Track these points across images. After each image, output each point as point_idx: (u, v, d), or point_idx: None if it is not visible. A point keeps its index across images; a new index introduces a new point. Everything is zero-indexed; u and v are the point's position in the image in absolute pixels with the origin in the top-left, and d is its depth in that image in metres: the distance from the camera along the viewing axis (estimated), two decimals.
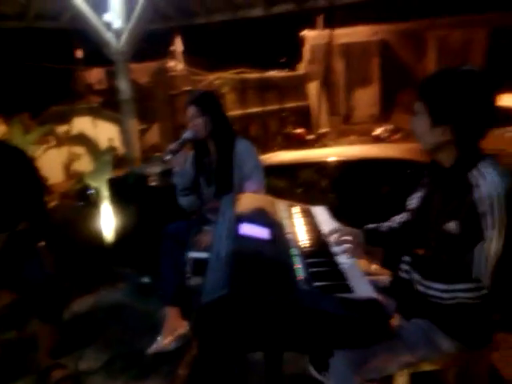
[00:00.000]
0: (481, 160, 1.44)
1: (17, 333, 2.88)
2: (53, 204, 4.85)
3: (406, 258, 1.54)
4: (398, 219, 1.83)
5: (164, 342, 2.55)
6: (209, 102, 2.63)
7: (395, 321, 1.56)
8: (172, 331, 2.58)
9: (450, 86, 1.43)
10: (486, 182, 1.37)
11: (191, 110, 2.57)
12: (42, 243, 2.61)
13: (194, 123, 2.56)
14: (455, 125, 1.43)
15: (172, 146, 2.51)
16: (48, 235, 2.72)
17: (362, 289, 1.44)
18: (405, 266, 1.55)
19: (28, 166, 2.54)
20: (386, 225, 1.84)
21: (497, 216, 1.34)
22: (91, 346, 2.78)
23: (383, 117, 12.50)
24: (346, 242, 1.73)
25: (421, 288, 1.49)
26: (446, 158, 1.51)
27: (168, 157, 2.48)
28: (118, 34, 3.85)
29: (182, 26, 5.70)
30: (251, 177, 2.51)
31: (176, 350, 2.51)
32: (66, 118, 8.31)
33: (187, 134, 2.56)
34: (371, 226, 1.85)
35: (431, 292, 1.47)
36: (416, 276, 1.51)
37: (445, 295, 1.44)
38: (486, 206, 1.34)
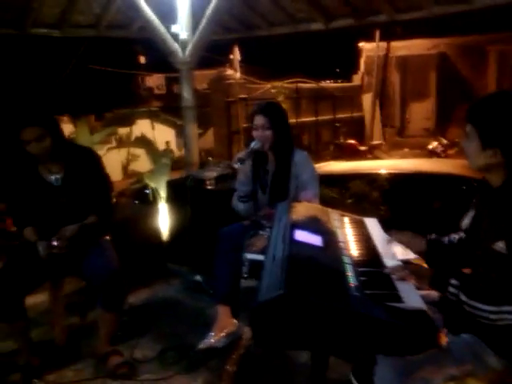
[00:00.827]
0: None
1: (80, 319, 3.09)
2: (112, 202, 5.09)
3: (454, 281, 1.53)
4: (457, 237, 1.85)
5: (214, 338, 2.64)
6: (277, 114, 2.69)
7: (443, 336, 1.58)
8: (222, 329, 2.66)
9: (500, 109, 1.46)
10: None
11: (260, 120, 2.63)
12: (108, 237, 2.80)
13: (263, 134, 2.62)
14: (504, 148, 1.46)
15: (241, 155, 2.58)
16: (113, 230, 2.90)
17: (412, 300, 1.48)
18: (452, 289, 1.54)
19: (97, 164, 2.74)
20: (446, 239, 1.87)
21: None
22: (146, 336, 2.95)
23: (438, 131, 12.22)
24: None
25: (468, 309, 1.49)
26: (495, 179, 1.54)
27: (237, 165, 2.55)
28: (183, 44, 4.03)
29: (243, 37, 5.86)
30: (307, 187, 2.58)
31: (225, 346, 2.59)
32: (127, 121, 8.70)
33: (256, 145, 2.61)
34: (433, 236, 1.88)
35: (478, 313, 1.46)
36: (463, 297, 1.50)
37: (492, 316, 1.43)
38: None
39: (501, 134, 1.46)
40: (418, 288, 1.63)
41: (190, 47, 4.00)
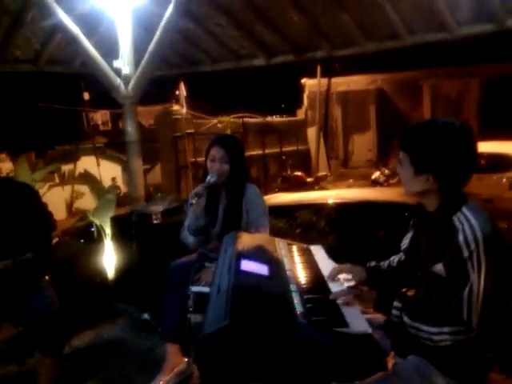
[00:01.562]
0: (464, 204, 1.52)
1: (18, 367, 2.89)
2: (55, 241, 4.90)
3: (397, 304, 1.55)
4: (396, 259, 1.90)
5: (164, 378, 2.56)
6: (235, 147, 2.64)
7: (390, 358, 1.60)
8: (172, 368, 2.59)
9: (430, 137, 1.53)
10: (470, 225, 1.44)
11: (218, 153, 2.55)
12: (47, 277, 2.67)
13: (220, 167, 2.54)
14: (436, 173, 1.53)
15: (198, 190, 2.48)
16: (52, 270, 2.77)
17: (358, 324, 1.50)
18: (395, 312, 1.55)
19: (33, 200, 2.62)
20: (386, 263, 1.91)
21: (481, 259, 1.40)
22: (90, 381, 2.79)
23: (380, 161, 12.74)
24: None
25: (412, 331, 1.50)
26: (430, 203, 1.59)
27: (194, 200, 2.44)
28: (126, 79, 4.02)
29: (187, 72, 5.94)
30: (258, 223, 2.56)
31: None
32: (71, 157, 8.49)
33: (212, 178, 2.51)
34: (373, 263, 1.92)
35: (421, 334, 1.47)
36: (406, 319, 1.51)
37: (435, 338, 1.45)
38: (470, 249, 1.40)
39: (431, 159, 1.52)
40: (364, 312, 1.65)
41: (132, 82, 3.99)
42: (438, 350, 1.49)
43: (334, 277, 1.85)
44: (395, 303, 1.56)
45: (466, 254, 1.41)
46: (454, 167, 1.52)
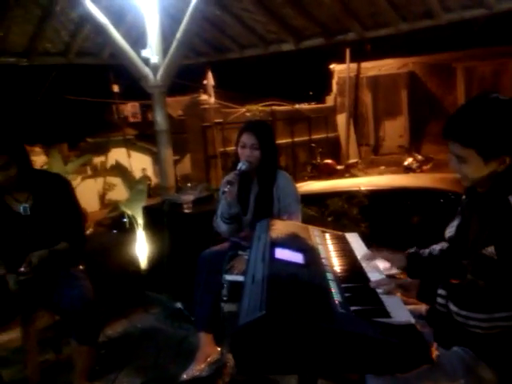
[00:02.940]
0: None
1: (55, 355, 2.94)
2: (88, 232, 4.99)
3: (442, 292, 1.48)
4: (438, 247, 1.82)
5: (197, 368, 2.56)
6: (266, 133, 2.60)
7: (434, 350, 1.53)
8: (205, 357, 2.59)
9: (493, 119, 1.42)
10: None
11: (250, 139, 2.52)
12: (81, 267, 2.69)
13: (252, 154, 2.51)
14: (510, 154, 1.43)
15: (230, 177, 2.45)
16: (86, 260, 2.79)
17: (400, 314, 1.43)
18: (441, 300, 1.48)
19: (67, 191, 2.63)
20: (426, 251, 1.84)
21: None
22: (125, 369, 2.81)
23: (413, 147, 12.44)
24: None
25: (459, 319, 1.43)
26: (485, 184, 1.50)
27: (226, 188, 2.41)
28: (154, 68, 4.01)
29: (215, 61, 5.90)
30: (290, 210, 2.53)
31: (209, 376, 2.51)
32: (102, 149, 8.62)
33: (243, 166, 2.48)
34: (413, 250, 1.84)
35: (470, 322, 1.40)
36: (453, 307, 1.44)
37: (484, 324, 1.38)
38: None
39: (504, 142, 1.42)
40: (405, 302, 1.58)
41: (161, 71, 3.97)
42: (485, 339, 1.43)
43: (370, 259, 1.81)
44: (440, 291, 1.49)
45: None
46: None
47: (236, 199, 2.57)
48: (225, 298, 2.11)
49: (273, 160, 2.61)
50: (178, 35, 3.86)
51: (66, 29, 4.73)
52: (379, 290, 1.58)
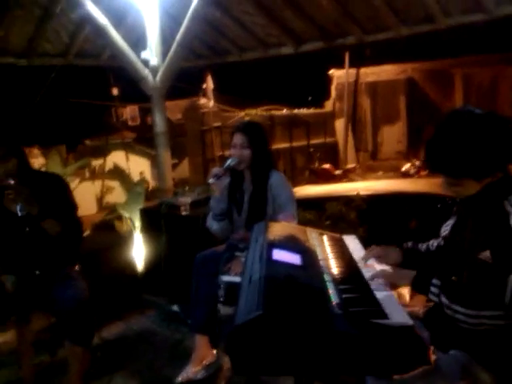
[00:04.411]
0: None
1: (50, 357, 2.92)
2: (85, 234, 4.96)
3: (436, 282, 1.53)
4: (435, 243, 1.84)
5: (192, 370, 2.55)
6: (256, 133, 2.64)
7: (432, 353, 1.53)
8: (201, 360, 2.58)
9: (480, 141, 1.43)
10: None
11: (239, 139, 2.58)
12: (77, 267, 2.68)
13: (240, 153, 2.56)
14: (502, 168, 1.48)
15: (216, 171, 2.51)
16: (82, 260, 2.78)
17: (398, 315, 1.42)
18: (434, 289, 1.53)
19: (64, 191, 2.64)
20: (424, 246, 1.87)
21: None
22: (120, 372, 2.80)
23: (410, 153, 12.45)
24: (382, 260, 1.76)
25: (448, 312, 1.49)
26: (470, 189, 1.52)
27: (212, 180, 2.48)
28: (154, 70, 4.01)
29: (215, 63, 5.90)
30: (284, 209, 2.53)
31: (204, 379, 2.50)
32: (101, 152, 8.58)
33: (232, 161, 2.54)
34: (409, 244, 1.87)
35: (458, 316, 1.46)
36: (444, 300, 1.50)
37: (471, 320, 1.43)
38: None
39: (494, 161, 1.45)
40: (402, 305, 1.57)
41: (160, 73, 3.97)
42: (478, 339, 1.45)
43: (367, 259, 1.83)
44: (434, 281, 1.53)
45: None
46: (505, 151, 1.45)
47: (226, 195, 2.61)
48: (221, 299, 2.10)
49: (265, 159, 2.62)
50: (178, 37, 3.87)
51: (65, 30, 4.74)
52: (376, 281, 1.64)
